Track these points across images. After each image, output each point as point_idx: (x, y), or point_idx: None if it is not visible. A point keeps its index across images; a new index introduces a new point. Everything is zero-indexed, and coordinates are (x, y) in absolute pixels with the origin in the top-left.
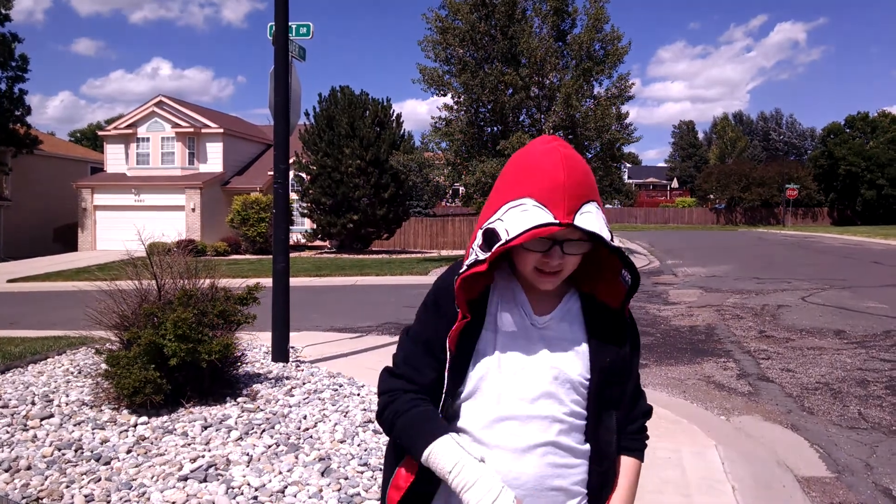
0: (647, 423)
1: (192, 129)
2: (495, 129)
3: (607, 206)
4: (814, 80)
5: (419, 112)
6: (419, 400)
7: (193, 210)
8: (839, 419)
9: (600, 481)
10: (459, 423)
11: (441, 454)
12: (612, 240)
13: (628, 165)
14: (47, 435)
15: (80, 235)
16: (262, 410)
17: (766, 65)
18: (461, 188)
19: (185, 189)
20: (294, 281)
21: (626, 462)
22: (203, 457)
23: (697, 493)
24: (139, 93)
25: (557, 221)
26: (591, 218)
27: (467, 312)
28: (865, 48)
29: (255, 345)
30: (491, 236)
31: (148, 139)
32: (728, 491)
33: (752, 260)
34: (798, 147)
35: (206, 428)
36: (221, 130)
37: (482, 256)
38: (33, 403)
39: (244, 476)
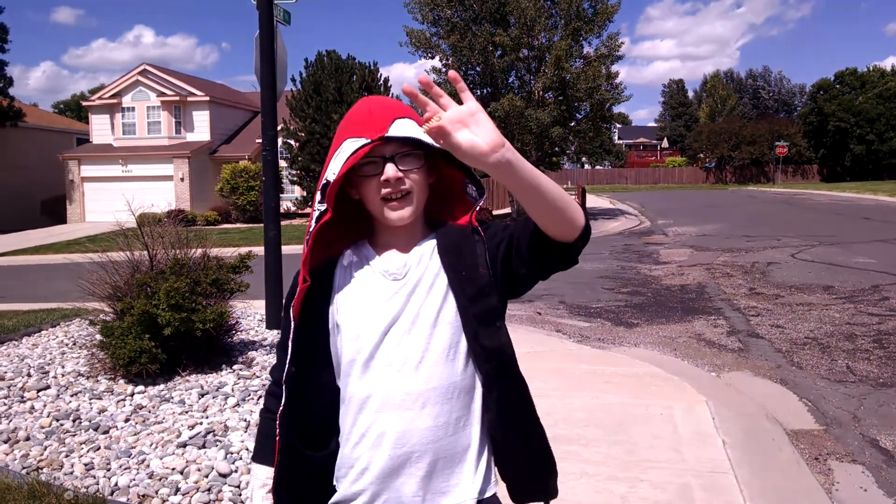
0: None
1: (177, 98)
2: (485, 91)
3: (598, 167)
4: (803, 36)
5: (407, 76)
6: (270, 399)
7: (182, 180)
8: (827, 373)
9: (493, 404)
10: (345, 389)
11: (253, 474)
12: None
13: (618, 126)
14: (45, 406)
15: (68, 208)
16: (258, 377)
17: (756, 21)
18: None
19: (172, 159)
20: (286, 249)
21: None
22: (201, 424)
23: (688, 447)
24: (122, 62)
25: (369, 140)
26: (406, 126)
27: (307, 275)
28: (855, 3)
29: (249, 313)
30: (325, 186)
31: (133, 109)
32: (719, 445)
33: (743, 218)
34: (788, 104)
35: (202, 395)
36: (208, 98)
37: (323, 207)
38: (29, 375)
39: (242, 441)
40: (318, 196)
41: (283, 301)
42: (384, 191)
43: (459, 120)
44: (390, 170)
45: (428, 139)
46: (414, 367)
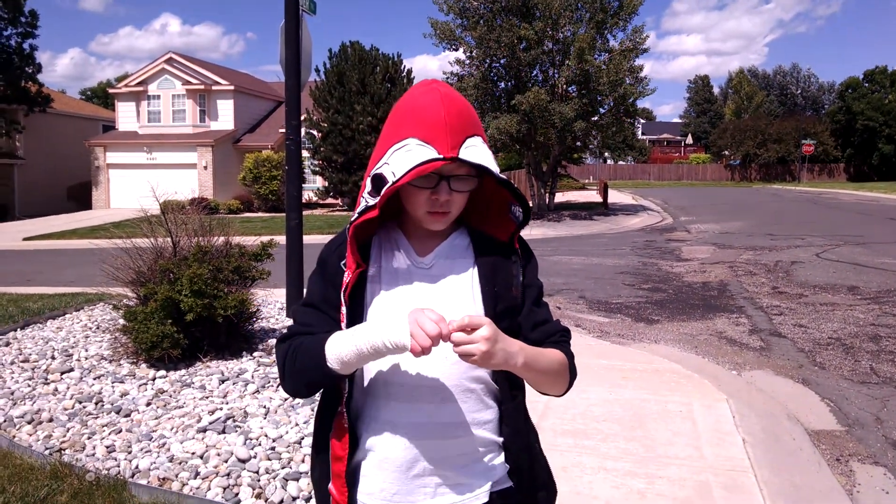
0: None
1: (202, 87)
2: (509, 84)
3: (620, 162)
4: (832, 34)
5: (430, 68)
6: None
7: (205, 168)
8: (850, 374)
9: (510, 418)
10: (361, 382)
11: (337, 337)
12: (500, 173)
13: (642, 121)
14: (68, 388)
15: (93, 193)
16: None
17: (784, 17)
18: None
19: (196, 147)
20: (307, 238)
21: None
22: (221, 409)
23: (708, 445)
24: (148, 49)
25: (442, 156)
26: (476, 151)
27: (361, 261)
28: (885, 0)
29: (269, 301)
30: (379, 181)
31: (159, 97)
32: (738, 443)
33: (767, 216)
34: (815, 102)
35: (223, 381)
36: (232, 87)
37: (372, 202)
38: (53, 358)
39: (261, 428)
40: (367, 185)
41: (317, 260)
42: (432, 205)
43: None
44: (444, 191)
45: (493, 167)
46: (436, 360)
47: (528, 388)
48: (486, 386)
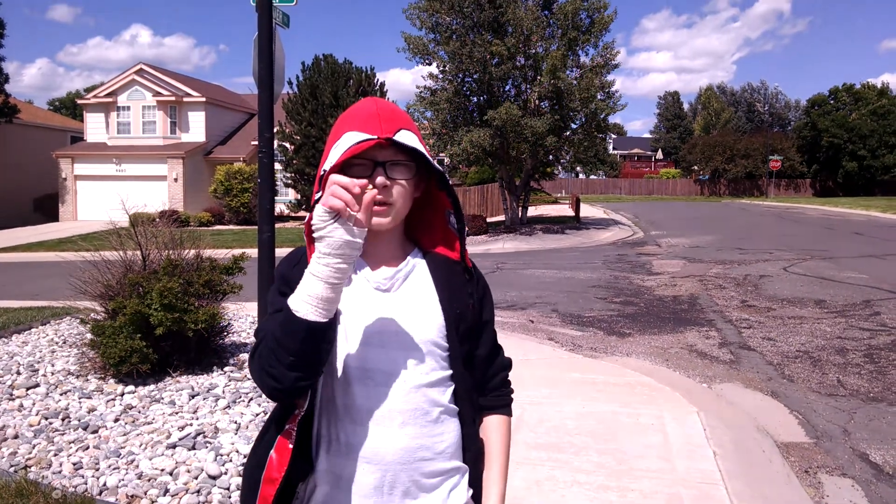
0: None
1: (173, 98)
2: (481, 98)
3: (592, 176)
4: (799, 52)
5: (403, 82)
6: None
7: (176, 180)
8: (818, 386)
9: (472, 442)
10: (323, 392)
11: (297, 294)
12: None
13: (613, 136)
14: (34, 404)
15: (60, 206)
16: (249, 379)
17: (752, 35)
18: (446, 158)
19: (167, 159)
20: (279, 251)
21: (494, 422)
22: (191, 425)
23: (679, 457)
24: (118, 61)
25: (375, 136)
26: (410, 137)
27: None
28: (852, 20)
29: (241, 315)
30: (323, 178)
31: (129, 108)
32: (709, 456)
33: (735, 231)
34: (782, 118)
35: (193, 397)
36: (204, 99)
37: (319, 195)
38: (18, 373)
39: (232, 444)
40: (316, 187)
41: (275, 276)
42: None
43: None
44: (380, 176)
45: (428, 156)
46: (397, 384)
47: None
48: (446, 409)
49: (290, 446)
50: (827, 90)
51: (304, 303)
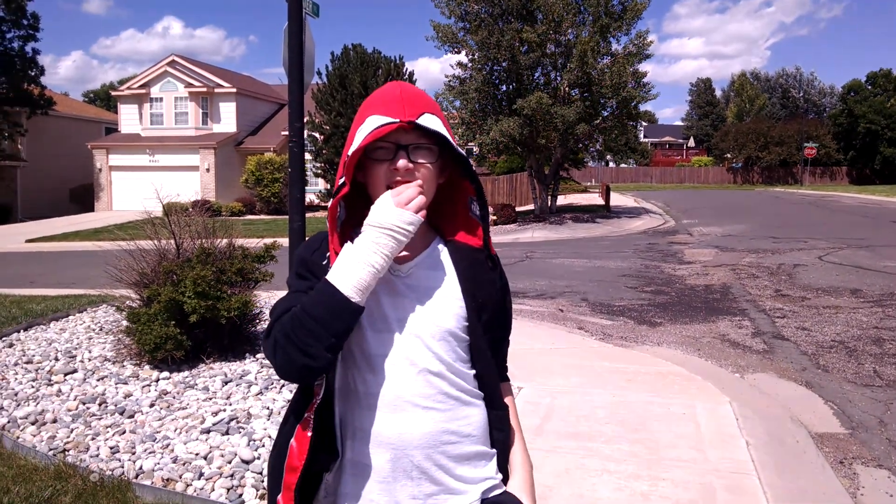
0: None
1: (205, 89)
2: (510, 87)
3: (622, 165)
4: (835, 37)
5: (432, 71)
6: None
7: (208, 170)
8: (854, 377)
9: (500, 424)
10: (342, 379)
11: (337, 271)
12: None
13: (644, 124)
14: (71, 389)
15: (96, 196)
16: None
17: (786, 20)
18: (475, 148)
19: (199, 149)
20: None
21: (507, 395)
22: (224, 410)
23: (711, 447)
24: (150, 52)
25: (398, 120)
26: (433, 121)
27: (344, 240)
28: (890, 3)
29: (272, 303)
30: (347, 162)
31: (161, 99)
32: (742, 446)
33: (769, 219)
34: (818, 105)
35: (226, 383)
36: (235, 90)
37: (342, 181)
38: (57, 359)
39: (265, 429)
40: (341, 171)
41: (295, 259)
42: (391, 177)
43: None
44: (402, 159)
45: (452, 140)
46: (418, 371)
47: (532, 388)
48: (471, 393)
49: (309, 434)
50: (863, 76)
51: (360, 291)
